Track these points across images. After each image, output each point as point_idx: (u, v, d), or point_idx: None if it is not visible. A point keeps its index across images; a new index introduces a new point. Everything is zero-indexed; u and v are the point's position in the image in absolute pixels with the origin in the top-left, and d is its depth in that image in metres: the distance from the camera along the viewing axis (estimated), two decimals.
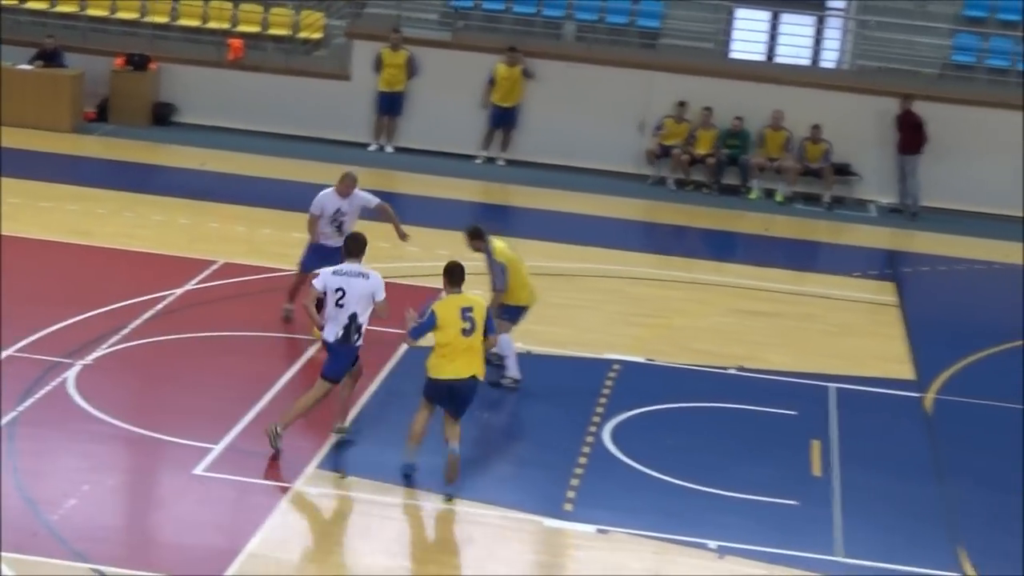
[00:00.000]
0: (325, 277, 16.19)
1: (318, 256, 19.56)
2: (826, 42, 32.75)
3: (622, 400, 18.91)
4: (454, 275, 15.98)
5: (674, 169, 30.84)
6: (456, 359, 15.73)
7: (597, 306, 22.65)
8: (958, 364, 21.60)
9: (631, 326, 22.04)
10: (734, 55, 32.73)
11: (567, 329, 21.00)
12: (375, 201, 19.80)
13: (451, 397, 15.87)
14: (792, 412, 19.08)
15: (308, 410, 16.47)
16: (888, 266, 26.96)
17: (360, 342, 16.30)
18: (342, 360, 16.36)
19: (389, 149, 31.16)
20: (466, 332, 15.70)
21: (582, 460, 16.93)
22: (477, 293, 16.73)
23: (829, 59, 32.82)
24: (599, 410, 18.48)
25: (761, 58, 32.75)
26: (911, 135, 30.31)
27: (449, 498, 15.58)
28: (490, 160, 31.24)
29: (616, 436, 17.73)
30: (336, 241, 19.34)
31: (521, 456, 17.10)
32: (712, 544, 15.25)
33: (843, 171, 30.97)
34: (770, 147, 30.88)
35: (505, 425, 17.51)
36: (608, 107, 31.08)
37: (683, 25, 32.19)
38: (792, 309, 23.66)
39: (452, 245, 18.80)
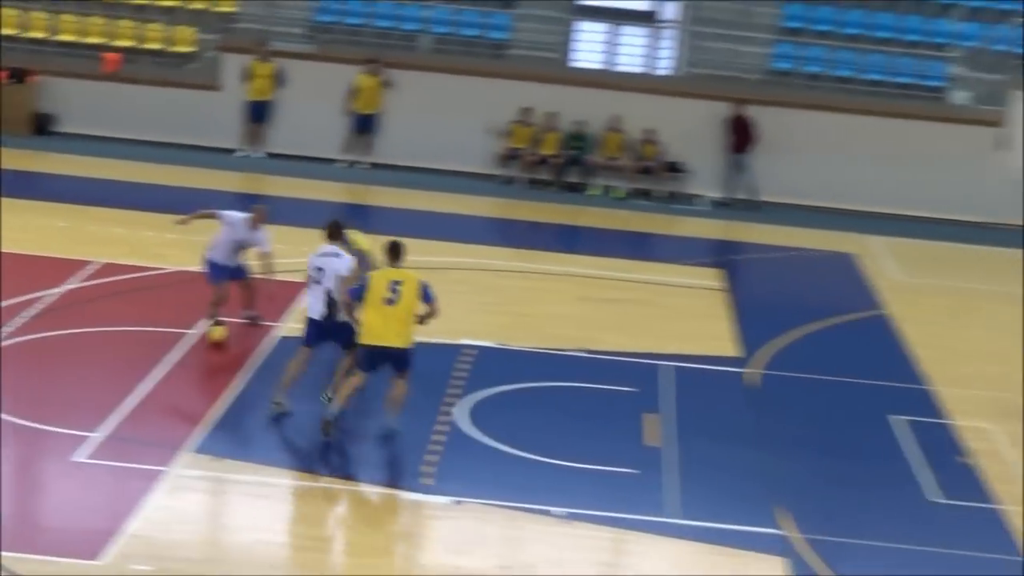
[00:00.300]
0: (310, 259, 16.97)
1: (219, 271, 19.33)
2: (659, 51, 33.01)
3: (477, 382, 18.98)
4: (391, 251, 16.56)
5: (522, 169, 31.05)
6: (382, 326, 16.12)
7: (454, 297, 22.44)
8: (780, 341, 21.95)
9: (485, 314, 22.12)
10: (575, 64, 32.89)
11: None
12: (268, 248, 19.29)
13: (385, 360, 16.37)
14: (632, 389, 19.25)
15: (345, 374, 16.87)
16: (717, 254, 27.26)
17: (339, 317, 16.70)
18: (340, 330, 16.76)
19: (260, 154, 30.98)
20: (389, 302, 16.09)
21: (439, 437, 16.98)
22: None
23: (662, 67, 33.07)
24: (455, 391, 18.54)
25: (600, 67, 32.93)
26: (742, 136, 30.77)
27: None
28: (353, 163, 31.19)
29: (471, 415, 17.81)
30: (230, 262, 19.18)
31: (382, 435, 17.11)
32: (560, 511, 15.36)
33: (675, 168, 31.34)
34: (609, 147, 31.17)
35: (366, 406, 17.42)
36: (461, 113, 31.18)
37: (529, 37, 32.33)
38: (631, 295, 23.85)
39: (319, 242, 18.60)
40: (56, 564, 13.16)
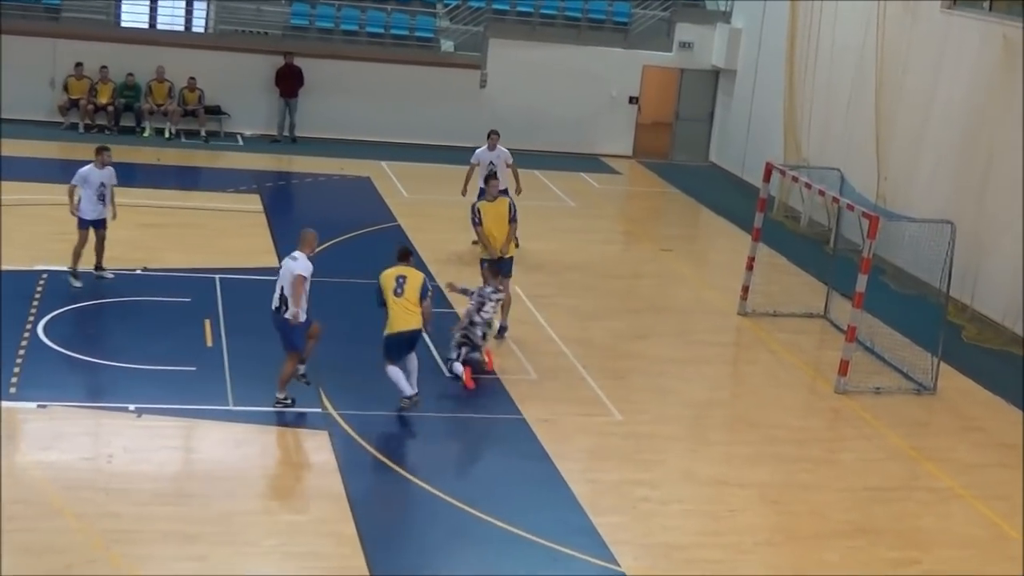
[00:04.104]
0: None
1: None
2: (195, 11, 32.15)
3: (51, 302, 18.22)
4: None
5: (82, 116, 29.82)
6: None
7: (26, 229, 21.64)
8: (315, 252, 21.76)
9: (56, 243, 21.01)
10: (124, 24, 31.66)
11: (6, 248, 19.91)
12: None
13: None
14: (187, 299, 18.90)
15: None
16: (256, 182, 26.86)
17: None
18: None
19: None
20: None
21: (21, 352, 16.25)
22: None
23: (197, 25, 32.21)
24: (33, 311, 17.75)
25: (145, 26, 31.81)
26: (290, 82, 30.66)
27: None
28: None
29: (48, 330, 17.10)
30: None
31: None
32: (132, 407, 15.01)
33: (214, 111, 30.79)
34: (156, 96, 30.32)
35: None
36: (23, 69, 29.70)
37: (81, 1, 30.90)
38: (182, 220, 23.34)
39: None
40: None
